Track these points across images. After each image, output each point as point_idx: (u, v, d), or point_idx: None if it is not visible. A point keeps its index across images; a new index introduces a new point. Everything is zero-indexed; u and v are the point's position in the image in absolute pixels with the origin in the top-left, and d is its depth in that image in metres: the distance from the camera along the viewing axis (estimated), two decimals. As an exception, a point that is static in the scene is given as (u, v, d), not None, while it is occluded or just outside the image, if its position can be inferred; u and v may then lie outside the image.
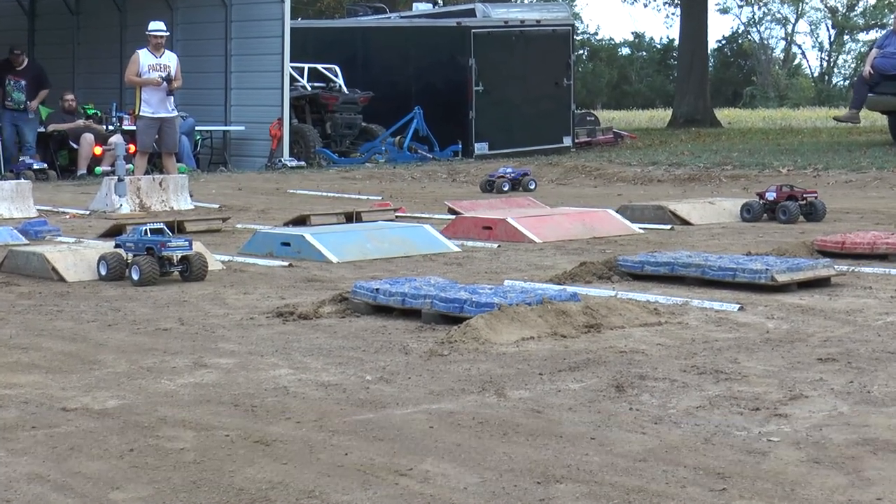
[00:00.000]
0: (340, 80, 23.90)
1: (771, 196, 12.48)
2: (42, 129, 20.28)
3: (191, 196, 14.87)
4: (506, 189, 16.61)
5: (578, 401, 5.21)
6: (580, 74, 52.91)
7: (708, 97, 37.42)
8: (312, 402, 5.26)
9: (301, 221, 12.03)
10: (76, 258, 8.94)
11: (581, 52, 61.13)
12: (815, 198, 12.53)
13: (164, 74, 15.50)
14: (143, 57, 15.66)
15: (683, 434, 4.69)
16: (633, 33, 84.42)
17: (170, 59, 15.79)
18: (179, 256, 8.70)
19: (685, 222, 12.28)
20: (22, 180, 15.05)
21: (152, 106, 15.54)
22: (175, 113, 16.13)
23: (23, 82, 20.15)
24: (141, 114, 15.68)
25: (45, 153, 20.11)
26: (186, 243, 8.73)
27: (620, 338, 6.49)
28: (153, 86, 15.45)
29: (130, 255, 8.74)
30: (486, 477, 4.20)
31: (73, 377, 5.77)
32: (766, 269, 7.98)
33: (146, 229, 8.84)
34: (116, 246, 8.95)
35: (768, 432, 4.70)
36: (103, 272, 8.77)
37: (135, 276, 8.55)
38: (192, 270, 8.71)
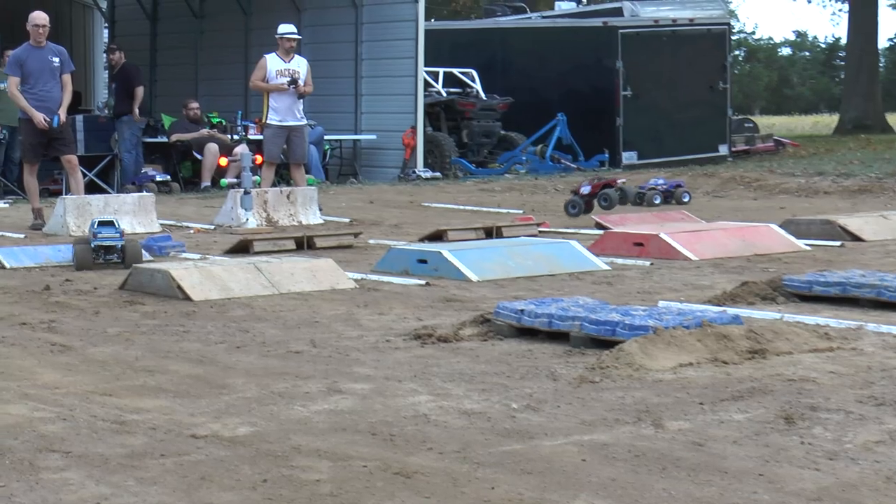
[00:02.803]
0: (478, 85, 23.98)
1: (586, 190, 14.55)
2: (165, 139, 20.58)
3: (320, 209, 15.00)
4: (657, 202, 16.47)
5: (743, 433, 5.14)
6: (737, 77, 52.37)
7: (879, 100, 36.77)
8: (454, 431, 5.27)
9: (437, 237, 12.10)
10: (202, 276, 9.08)
11: (738, 52, 60.51)
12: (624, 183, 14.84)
13: (290, 80, 15.57)
14: (271, 61, 15.72)
15: (862, 471, 4.60)
16: (794, 31, 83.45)
17: (299, 65, 15.79)
18: (113, 246, 10.50)
19: (856, 238, 12.07)
20: (145, 193, 15.31)
21: (280, 114, 15.59)
22: (304, 121, 16.06)
23: (113, 85, 20.37)
24: (268, 122, 15.70)
25: (168, 164, 20.42)
26: (118, 234, 10.59)
27: (788, 365, 6.40)
28: (281, 91, 15.51)
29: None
30: (645, 515, 4.16)
31: (202, 402, 5.86)
32: (950, 290, 7.79)
33: (96, 221, 10.73)
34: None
35: (957, 471, 4.58)
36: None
37: (74, 262, 10.59)
38: (125, 258, 10.44)
